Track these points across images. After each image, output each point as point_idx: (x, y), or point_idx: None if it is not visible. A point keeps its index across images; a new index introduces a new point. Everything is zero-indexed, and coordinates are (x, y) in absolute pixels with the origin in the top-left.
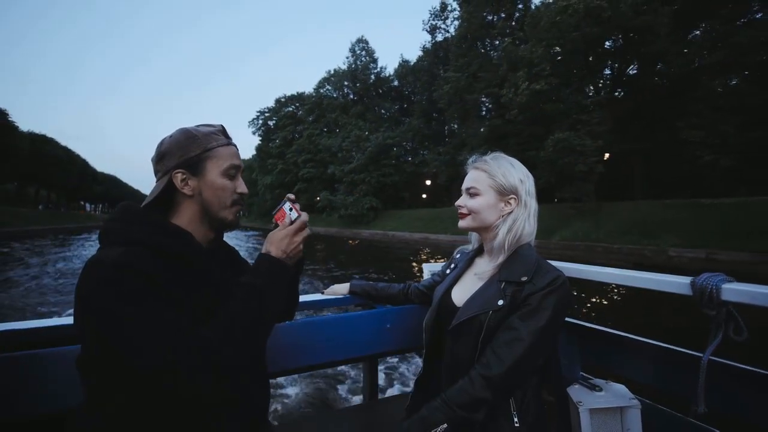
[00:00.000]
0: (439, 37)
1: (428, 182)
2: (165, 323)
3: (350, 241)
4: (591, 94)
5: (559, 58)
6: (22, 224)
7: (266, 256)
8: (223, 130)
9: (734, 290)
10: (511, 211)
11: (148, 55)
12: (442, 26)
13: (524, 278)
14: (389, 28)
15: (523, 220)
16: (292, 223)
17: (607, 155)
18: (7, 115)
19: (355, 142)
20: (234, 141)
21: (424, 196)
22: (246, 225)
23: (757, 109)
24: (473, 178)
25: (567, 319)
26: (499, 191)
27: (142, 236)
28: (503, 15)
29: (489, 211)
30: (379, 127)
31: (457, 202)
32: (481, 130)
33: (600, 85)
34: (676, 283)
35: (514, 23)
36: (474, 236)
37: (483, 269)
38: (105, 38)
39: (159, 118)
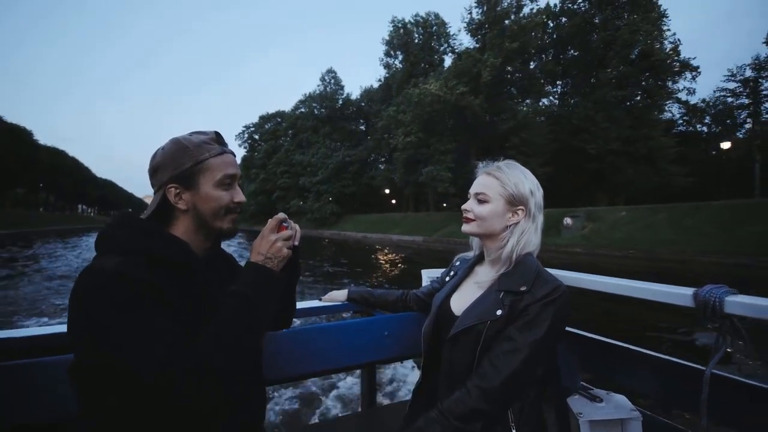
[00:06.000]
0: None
1: (387, 191)
2: (160, 332)
3: (325, 240)
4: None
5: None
6: (35, 225)
7: (247, 263)
8: (217, 138)
9: (738, 303)
10: (518, 222)
11: (147, 58)
12: (393, 64)
13: (523, 288)
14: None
15: (530, 233)
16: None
17: None
18: (32, 134)
19: (321, 159)
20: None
21: (393, 201)
22: None
23: (546, 153)
24: (484, 183)
25: (567, 328)
26: (509, 201)
27: (139, 245)
28: (425, 65)
29: (496, 220)
30: (345, 143)
31: (464, 206)
32: (402, 156)
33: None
34: (679, 295)
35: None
36: (475, 242)
37: (483, 278)
38: (104, 41)
39: (159, 119)
